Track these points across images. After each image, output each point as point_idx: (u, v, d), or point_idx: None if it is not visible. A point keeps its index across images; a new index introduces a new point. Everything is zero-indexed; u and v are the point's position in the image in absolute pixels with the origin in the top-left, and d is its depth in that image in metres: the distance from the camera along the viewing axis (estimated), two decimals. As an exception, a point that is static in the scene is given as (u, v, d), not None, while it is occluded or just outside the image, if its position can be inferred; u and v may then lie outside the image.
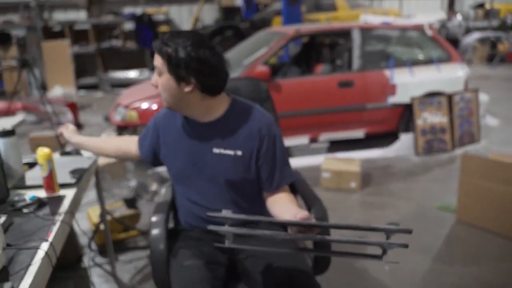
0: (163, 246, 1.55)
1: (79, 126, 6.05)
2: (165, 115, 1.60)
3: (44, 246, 1.28)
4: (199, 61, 1.37)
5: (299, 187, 1.87)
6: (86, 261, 2.69)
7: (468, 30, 11.92)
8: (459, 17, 12.15)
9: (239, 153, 1.49)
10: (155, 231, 1.57)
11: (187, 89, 1.41)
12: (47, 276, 1.26)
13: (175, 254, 1.56)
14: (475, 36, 11.01)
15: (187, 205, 1.61)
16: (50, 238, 1.33)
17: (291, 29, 4.59)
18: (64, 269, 2.55)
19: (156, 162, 1.68)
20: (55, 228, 1.40)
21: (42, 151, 1.62)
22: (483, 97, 5.23)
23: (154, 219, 1.62)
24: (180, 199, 1.66)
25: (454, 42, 9.78)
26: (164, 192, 1.89)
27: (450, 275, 2.52)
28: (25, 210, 1.51)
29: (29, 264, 1.18)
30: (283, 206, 1.48)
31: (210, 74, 1.40)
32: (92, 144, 1.82)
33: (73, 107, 6.16)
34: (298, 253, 1.49)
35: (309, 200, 1.76)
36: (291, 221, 1.21)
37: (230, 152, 1.49)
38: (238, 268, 1.56)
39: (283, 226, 1.36)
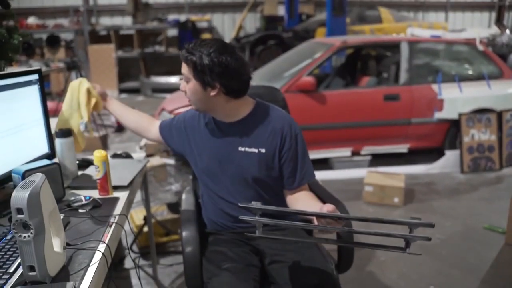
0: (196, 248, 1.58)
1: (121, 128, 6.19)
2: (193, 116, 1.69)
3: (101, 247, 1.30)
4: (221, 66, 1.46)
5: (315, 188, 1.87)
6: (128, 263, 2.72)
7: (516, 46, 11.51)
8: (507, 32, 11.75)
9: (263, 150, 1.56)
10: (186, 233, 1.62)
11: (213, 93, 1.50)
12: (103, 277, 1.28)
13: (210, 257, 1.59)
14: (524, 52, 10.61)
15: (214, 200, 1.66)
16: (107, 240, 1.35)
17: (337, 40, 4.56)
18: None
19: (176, 150, 1.77)
20: (110, 230, 1.42)
21: (99, 153, 1.64)
22: (534, 116, 5.02)
23: (183, 222, 1.67)
24: (207, 196, 1.70)
25: (502, 57, 9.45)
26: (185, 197, 1.92)
27: (501, 301, 2.41)
28: (80, 210, 1.54)
29: (88, 265, 1.20)
30: (306, 202, 1.54)
31: (233, 77, 1.49)
32: (120, 110, 1.91)
33: (117, 110, 6.29)
34: (323, 243, 1.57)
35: (329, 201, 1.72)
36: (318, 213, 1.24)
37: (254, 150, 1.56)
38: (266, 272, 1.60)
39: (308, 220, 1.40)
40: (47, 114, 1.79)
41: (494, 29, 6.19)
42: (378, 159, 4.42)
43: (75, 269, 1.16)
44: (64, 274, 1.14)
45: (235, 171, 1.59)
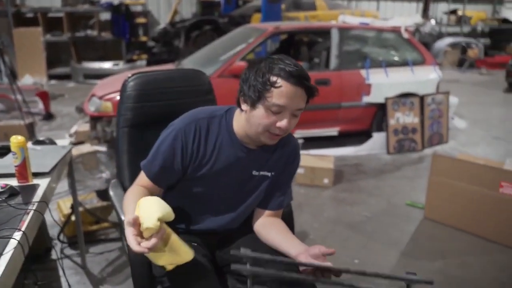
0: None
1: (50, 116, 5.92)
2: (196, 139, 1.40)
3: (17, 235, 1.27)
4: None
5: None
6: (55, 253, 2.64)
7: (440, 35, 12.21)
8: (432, 21, 12.43)
9: (273, 173, 1.49)
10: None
11: None
12: (19, 266, 1.25)
13: None
14: (447, 41, 11.28)
15: (190, 209, 1.50)
16: (23, 228, 1.32)
17: (270, 26, 4.61)
18: (32, 261, 2.51)
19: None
20: (28, 218, 1.39)
21: (16, 139, 1.59)
22: (453, 100, 5.39)
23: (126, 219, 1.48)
24: (181, 204, 1.48)
25: (427, 45, 10.00)
26: (114, 193, 1.67)
27: (416, 268, 2.58)
28: (-4, 199, 1.49)
29: (1, 254, 1.16)
30: (281, 235, 1.42)
31: None
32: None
33: (44, 97, 6.01)
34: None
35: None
36: (313, 264, 1.19)
37: (267, 173, 1.48)
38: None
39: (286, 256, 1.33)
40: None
41: (418, 18, 6.52)
42: (310, 142, 4.55)
43: (-14, 258, 1.13)
44: (-26, 263, 1.11)
45: (239, 195, 1.49)
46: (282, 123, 1.30)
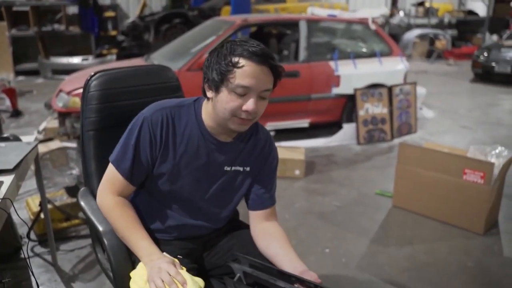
0: (124, 256, 1.36)
1: (18, 113, 5.79)
2: (164, 128, 1.34)
3: (-21, 232, 1.25)
4: None
5: None
6: (25, 252, 2.60)
7: (409, 27, 12.45)
8: (401, 13, 12.65)
9: (247, 169, 1.44)
10: (111, 242, 1.36)
11: None
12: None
13: None
14: (416, 32, 11.52)
15: (162, 212, 1.44)
16: (-14, 225, 1.30)
17: (239, 18, 4.62)
18: (1, 260, 2.47)
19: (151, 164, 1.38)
20: (-9, 215, 1.37)
21: (-23, 136, 1.56)
22: (421, 90, 5.52)
23: (102, 228, 1.40)
24: (152, 206, 1.45)
25: (396, 37, 10.20)
26: (84, 202, 1.56)
27: (385, 255, 2.67)
28: (-43, 197, 1.46)
29: (-37, 250, 1.15)
30: (282, 250, 1.37)
31: None
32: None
33: (11, 93, 5.86)
34: None
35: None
36: (310, 281, 1.16)
37: (239, 168, 1.43)
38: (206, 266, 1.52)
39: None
40: None
41: (384, 10, 6.64)
42: (281, 134, 4.60)
43: None
44: None
45: (213, 191, 1.43)
46: (248, 105, 1.23)
